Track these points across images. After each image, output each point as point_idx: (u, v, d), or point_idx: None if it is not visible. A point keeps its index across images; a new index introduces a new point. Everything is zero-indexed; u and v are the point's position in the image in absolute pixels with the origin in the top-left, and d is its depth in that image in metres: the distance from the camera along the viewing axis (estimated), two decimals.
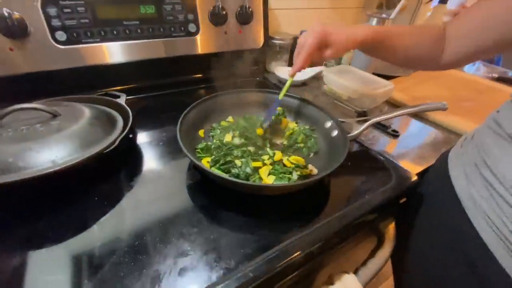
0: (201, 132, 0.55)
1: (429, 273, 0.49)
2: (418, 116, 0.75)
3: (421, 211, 0.52)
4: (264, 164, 0.48)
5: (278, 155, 0.50)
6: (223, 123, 0.59)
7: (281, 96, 0.56)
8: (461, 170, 0.45)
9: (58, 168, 0.36)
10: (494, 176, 0.38)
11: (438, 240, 0.47)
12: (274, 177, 0.45)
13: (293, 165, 0.49)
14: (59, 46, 0.58)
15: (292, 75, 0.54)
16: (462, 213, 0.42)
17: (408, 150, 0.62)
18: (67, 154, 0.40)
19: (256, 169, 0.46)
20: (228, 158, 0.46)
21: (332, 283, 0.44)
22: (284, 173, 0.47)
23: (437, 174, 0.52)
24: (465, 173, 0.44)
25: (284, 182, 0.44)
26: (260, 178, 0.45)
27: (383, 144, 0.63)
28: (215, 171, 0.45)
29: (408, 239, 0.53)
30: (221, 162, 0.46)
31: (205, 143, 0.50)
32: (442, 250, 0.46)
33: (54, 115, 0.45)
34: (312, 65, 0.88)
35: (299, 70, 0.52)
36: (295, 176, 0.47)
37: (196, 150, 0.50)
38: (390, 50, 0.52)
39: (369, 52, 0.56)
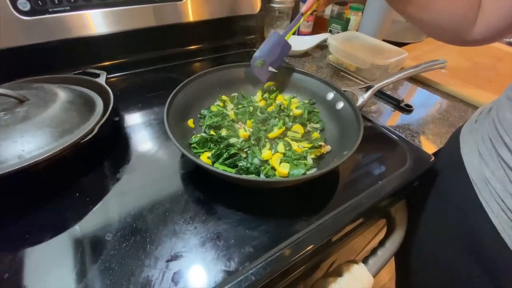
0: (190, 122, 0.49)
1: (436, 266, 0.46)
2: (433, 88, 0.69)
3: (431, 194, 0.48)
4: (278, 138, 0.46)
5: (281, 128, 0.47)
6: (213, 107, 0.52)
7: (288, 36, 0.49)
8: (474, 147, 0.40)
9: (24, 164, 0.31)
10: None
11: (448, 228, 0.44)
12: (288, 165, 0.40)
13: (306, 148, 0.44)
14: (22, 17, 0.50)
15: (305, 13, 0.45)
16: (474, 198, 0.38)
17: (422, 126, 0.56)
18: (37, 147, 0.34)
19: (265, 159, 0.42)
20: (232, 151, 0.41)
21: (340, 274, 0.41)
22: (298, 159, 0.42)
23: (448, 153, 0.47)
24: (478, 151, 0.39)
25: (300, 170, 0.39)
26: (272, 168, 0.41)
27: (394, 120, 0.57)
28: (224, 168, 0.39)
29: (415, 225, 0.50)
30: (224, 156, 0.40)
31: (199, 136, 0.44)
32: (452, 241, 0.43)
33: (21, 101, 0.39)
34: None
35: (313, 4, 0.43)
36: (310, 160, 0.42)
37: (191, 146, 0.44)
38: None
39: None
